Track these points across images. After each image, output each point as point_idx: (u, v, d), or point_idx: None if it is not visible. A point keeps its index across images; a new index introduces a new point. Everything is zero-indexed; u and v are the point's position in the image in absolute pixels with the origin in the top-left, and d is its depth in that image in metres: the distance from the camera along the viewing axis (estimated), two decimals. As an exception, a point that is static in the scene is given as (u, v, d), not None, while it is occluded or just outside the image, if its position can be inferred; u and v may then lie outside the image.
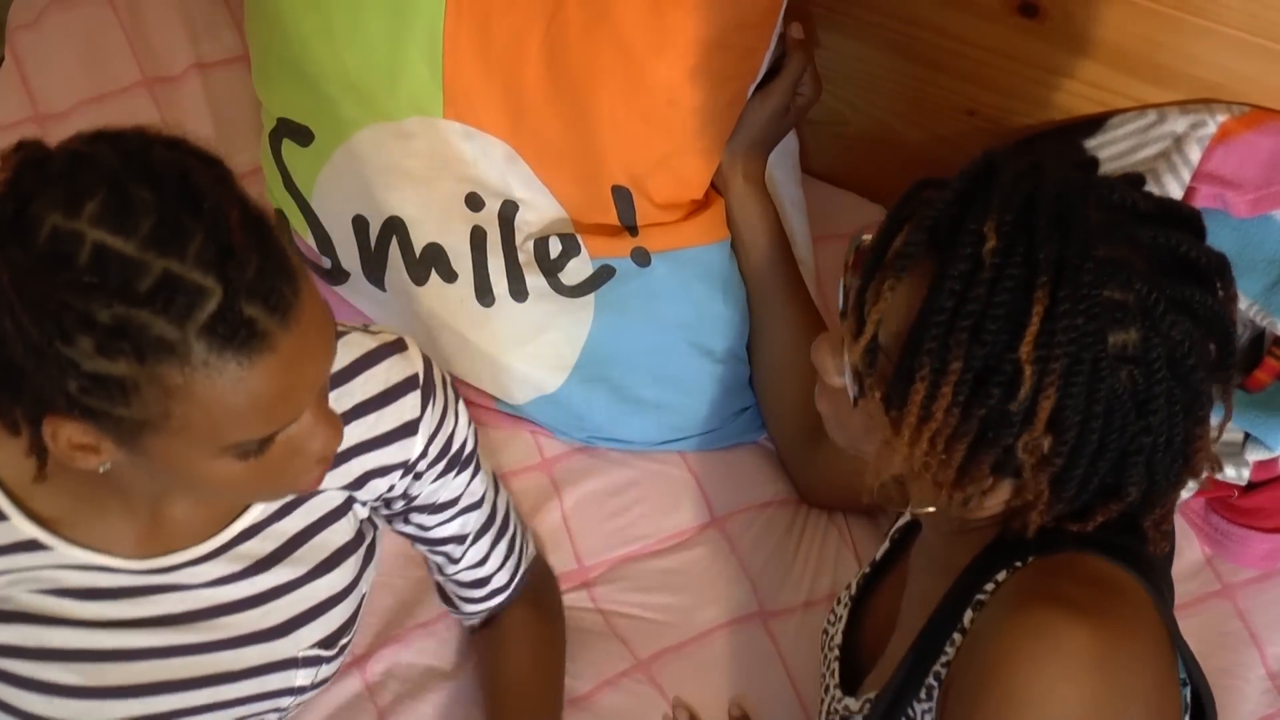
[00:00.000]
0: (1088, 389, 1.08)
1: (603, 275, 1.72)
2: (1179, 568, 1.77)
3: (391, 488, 1.34)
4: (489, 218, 1.73)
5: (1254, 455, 1.69)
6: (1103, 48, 1.74)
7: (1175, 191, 1.71)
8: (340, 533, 1.33)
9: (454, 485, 1.39)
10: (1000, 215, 1.09)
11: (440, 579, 1.54)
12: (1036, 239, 1.08)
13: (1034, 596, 1.13)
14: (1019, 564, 1.18)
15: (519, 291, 1.73)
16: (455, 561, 1.48)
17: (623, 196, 1.73)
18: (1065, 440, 1.10)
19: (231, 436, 1.03)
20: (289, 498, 1.29)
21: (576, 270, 1.73)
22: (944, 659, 1.21)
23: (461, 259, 1.73)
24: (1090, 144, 1.77)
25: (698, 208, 1.75)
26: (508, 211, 1.74)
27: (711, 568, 1.75)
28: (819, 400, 1.27)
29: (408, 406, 1.29)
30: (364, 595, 1.41)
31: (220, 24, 1.99)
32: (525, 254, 1.73)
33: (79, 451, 1.04)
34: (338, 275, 1.78)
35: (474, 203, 1.73)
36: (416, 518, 1.40)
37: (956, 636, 1.20)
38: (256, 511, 1.28)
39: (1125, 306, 1.09)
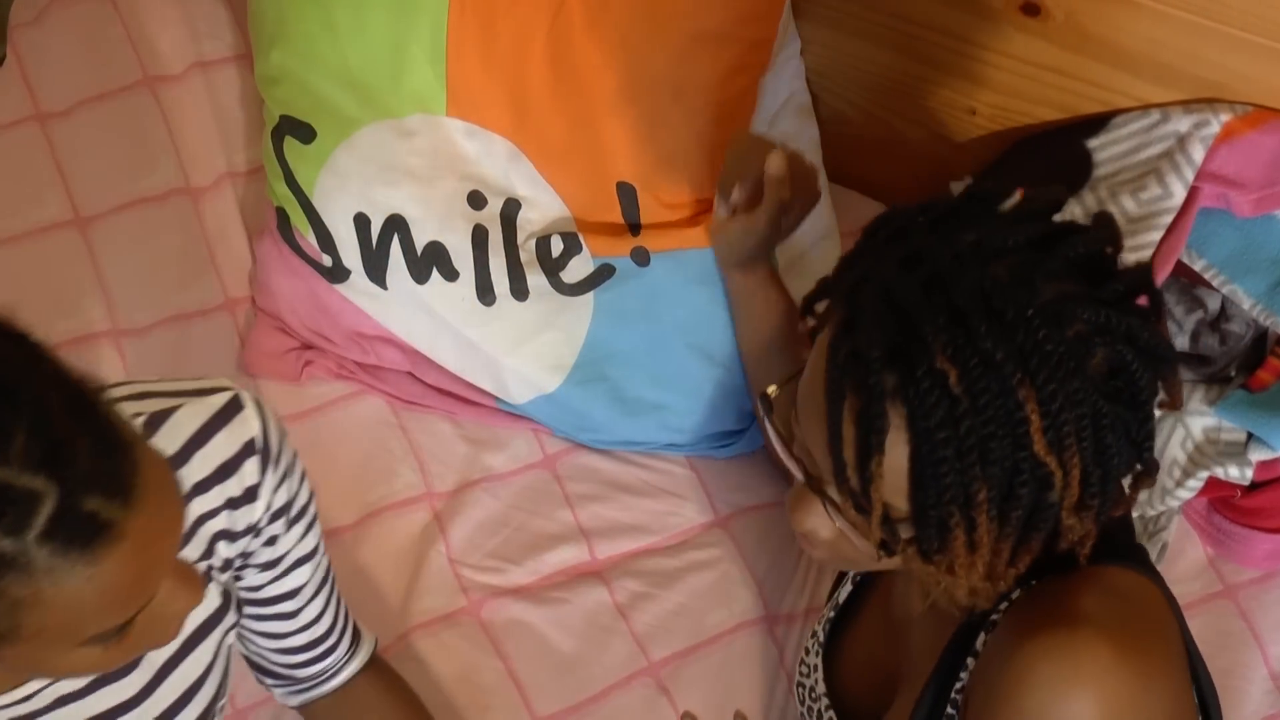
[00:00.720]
0: (1095, 431, 1.07)
1: (603, 274, 1.72)
2: (1181, 568, 1.77)
3: (241, 551, 1.27)
4: (491, 216, 1.73)
5: (1257, 455, 1.69)
6: (1105, 47, 1.74)
7: (1179, 191, 1.71)
8: (200, 612, 1.25)
9: (288, 539, 1.30)
10: (942, 343, 1.04)
11: (268, 651, 1.41)
12: (987, 344, 1.04)
13: (1051, 614, 1.11)
14: (1032, 580, 1.17)
15: (520, 290, 1.73)
16: (290, 618, 1.37)
17: (627, 193, 1.72)
18: (1096, 483, 1.09)
19: (89, 631, 0.95)
20: None
21: (577, 268, 1.72)
22: (959, 684, 1.20)
23: (463, 257, 1.73)
24: (1093, 143, 1.77)
25: (705, 207, 1.74)
26: (510, 210, 1.73)
27: (718, 568, 1.75)
28: (810, 548, 1.23)
29: (248, 473, 1.22)
30: (230, 650, 1.34)
31: (222, 22, 1.98)
32: (527, 253, 1.73)
33: None
34: (339, 273, 1.78)
35: (476, 201, 1.73)
36: (250, 577, 1.31)
37: (970, 661, 1.19)
38: None
39: (1085, 336, 1.07)
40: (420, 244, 1.73)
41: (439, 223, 1.73)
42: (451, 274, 1.73)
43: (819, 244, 1.82)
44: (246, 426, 1.22)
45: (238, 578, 1.31)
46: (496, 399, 1.80)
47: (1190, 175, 1.71)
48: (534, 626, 1.71)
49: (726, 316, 1.72)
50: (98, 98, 1.93)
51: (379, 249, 1.74)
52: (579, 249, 1.72)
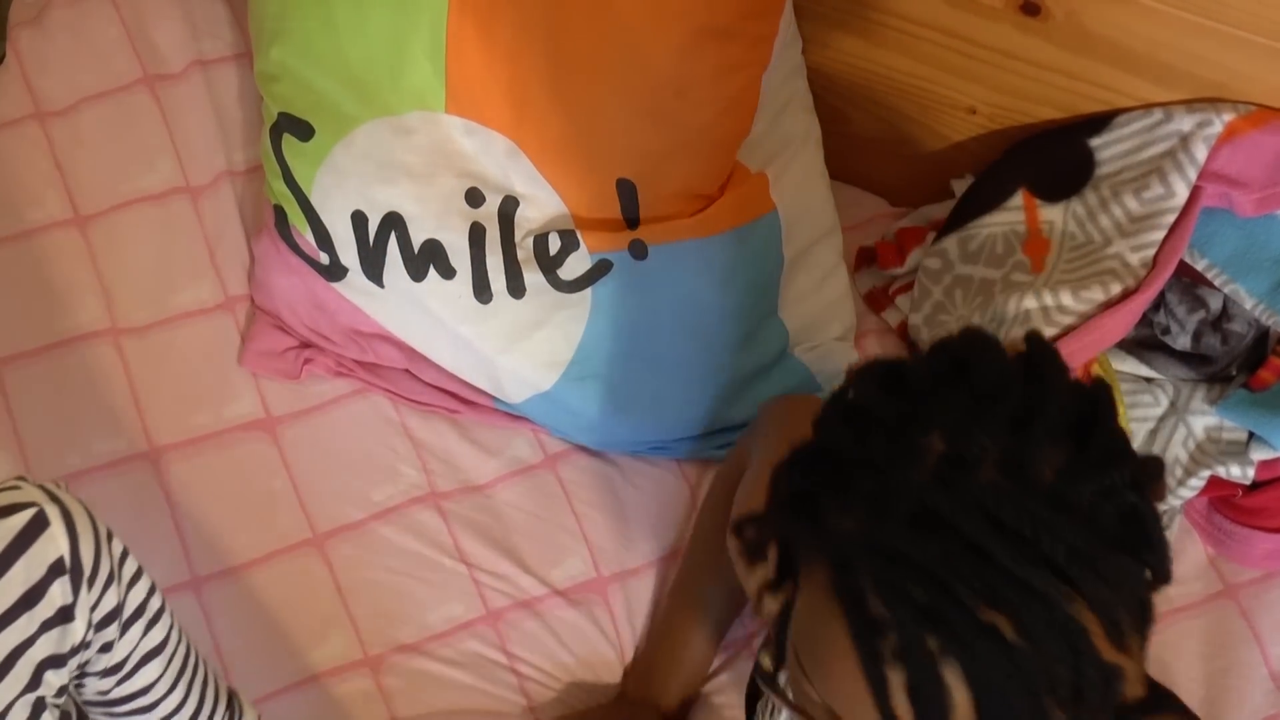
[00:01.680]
0: (1135, 594, 0.97)
1: (600, 270, 1.72)
2: (1182, 568, 1.77)
3: (73, 673, 1.19)
4: (489, 214, 1.73)
5: (1258, 455, 1.68)
6: (1105, 47, 1.74)
7: (1182, 190, 1.71)
8: None
9: (126, 643, 1.22)
10: (974, 590, 0.92)
11: None
12: (1023, 573, 0.92)
13: None
14: None
15: (517, 288, 1.72)
16: (147, 711, 1.28)
17: (627, 190, 1.72)
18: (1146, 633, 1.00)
19: None
20: None
21: (575, 265, 1.72)
22: None
23: (460, 255, 1.73)
24: (1095, 142, 1.76)
25: (705, 203, 1.74)
26: (508, 208, 1.73)
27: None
28: None
29: (57, 595, 1.13)
30: None
31: (221, 21, 1.98)
32: (524, 251, 1.73)
33: None
34: (336, 271, 1.77)
35: (474, 199, 1.73)
36: (93, 684, 1.23)
37: None
38: None
39: (1097, 505, 0.95)
40: (417, 242, 1.73)
41: (436, 220, 1.73)
42: (448, 271, 1.73)
43: (821, 241, 1.81)
44: (53, 544, 1.13)
45: (79, 686, 1.23)
46: (494, 399, 1.79)
47: (1193, 174, 1.70)
48: (539, 636, 1.71)
49: (725, 308, 1.72)
50: (97, 96, 1.93)
51: (376, 247, 1.74)
52: (576, 246, 1.72)
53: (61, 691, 1.18)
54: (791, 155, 1.81)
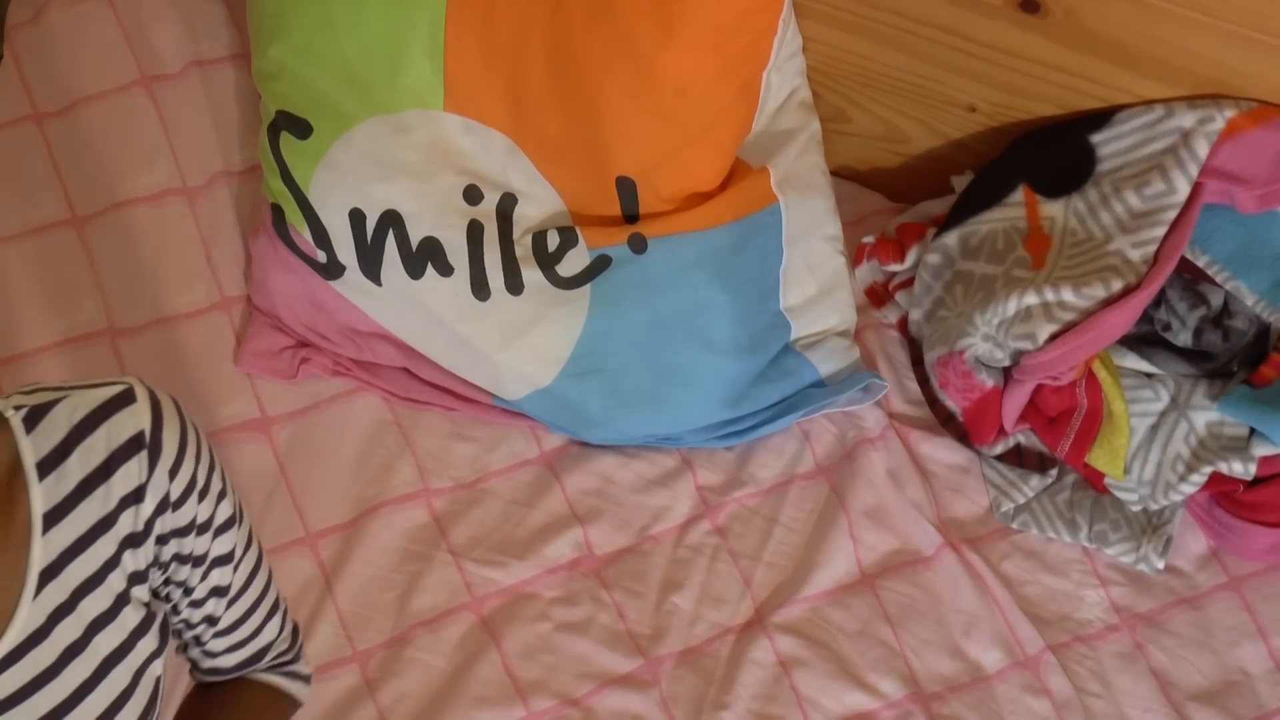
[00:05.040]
0: None
1: (599, 265, 1.72)
2: (1185, 561, 1.77)
3: (150, 558, 1.20)
4: (487, 212, 1.73)
5: (1259, 450, 1.68)
6: (1104, 44, 1.74)
7: (1183, 187, 1.70)
8: (112, 636, 1.19)
9: (201, 543, 1.24)
10: None
11: (188, 643, 1.34)
12: None
13: None
14: None
15: (515, 285, 1.72)
16: (214, 623, 1.31)
17: (627, 188, 1.72)
18: None
19: None
20: (59, 600, 1.15)
21: (574, 261, 1.72)
22: None
23: (458, 253, 1.73)
24: (1096, 139, 1.76)
25: (703, 200, 1.74)
26: (506, 205, 1.73)
27: (711, 566, 1.74)
28: None
29: (132, 472, 1.15)
30: (158, 679, 1.25)
31: (219, 21, 1.98)
32: (523, 248, 1.73)
33: None
34: (333, 269, 1.77)
35: (473, 196, 1.73)
36: (174, 591, 1.25)
37: None
38: (21, 625, 1.13)
39: None
40: (415, 239, 1.73)
41: (434, 218, 1.72)
42: (446, 269, 1.73)
43: (822, 237, 1.81)
44: (136, 418, 1.16)
45: (166, 582, 1.25)
46: (492, 396, 1.79)
47: (1194, 171, 1.70)
48: (533, 622, 1.71)
49: (725, 301, 1.72)
50: (95, 97, 1.93)
51: (374, 245, 1.74)
52: (575, 242, 1.72)
53: (139, 579, 1.19)
54: (791, 152, 1.80)
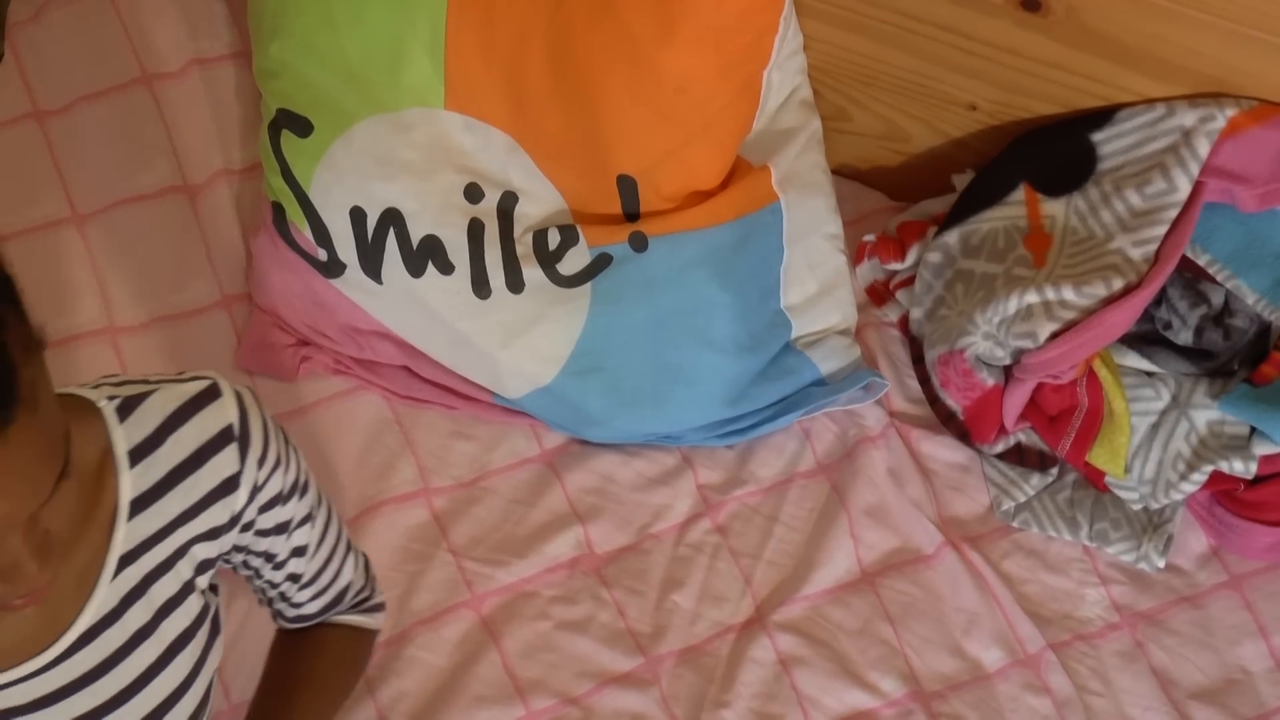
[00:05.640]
0: None
1: (600, 264, 1.72)
2: (1186, 560, 1.77)
3: (225, 549, 1.26)
4: (488, 210, 1.73)
5: (1260, 449, 1.68)
6: (1105, 42, 1.74)
7: (1184, 185, 1.70)
8: (178, 621, 1.23)
9: (283, 513, 1.29)
10: None
11: (273, 599, 1.41)
12: None
13: None
14: None
15: (516, 284, 1.72)
16: (298, 579, 1.37)
17: (628, 186, 1.72)
18: None
19: None
20: (131, 583, 1.20)
21: (574, 260, 1.72)
22: None
23: (459, 251, 1.73)
24: (1098, 137, 1.76)
25: (704, 198, 1.74)
26: (507, 203, 1.73)
27: (711, 564, 1.74)
28: None
29: (225, 462, 1.20)
30: (214, 672, 1.31)
31: (219, 20, 1.98)
32: (523, 246, 1.73)
33: None
34: (334, 268, 1.77)
35: (473, 194, 1.73)
36: (255, 560, 1.31)
37: None
38: (96, 606, 1.17)
39: None
40: (416, 238, 1.73)
41: (435, 216, 1.72)
42: (447, 267, 1.73)
43: (822, 235, 1.81)
44: (224, 412, 1.20)
45: (246, 564, 1.31)
46: (493, 394, 1.79)
47: (1195, 170, 1.70)
48: (533, 621, 1.70)
49: (726, 300, 1.72)
50: (95, 95, 1.93)
51: (374, 243, 1.74)
52: (576, 240, 1.72)
53: (206, 567, 1.24)
54: (792, 151, 1.80)
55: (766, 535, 1.76)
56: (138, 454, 1.17)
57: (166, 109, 1.93)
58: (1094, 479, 1.76)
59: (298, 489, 1.28)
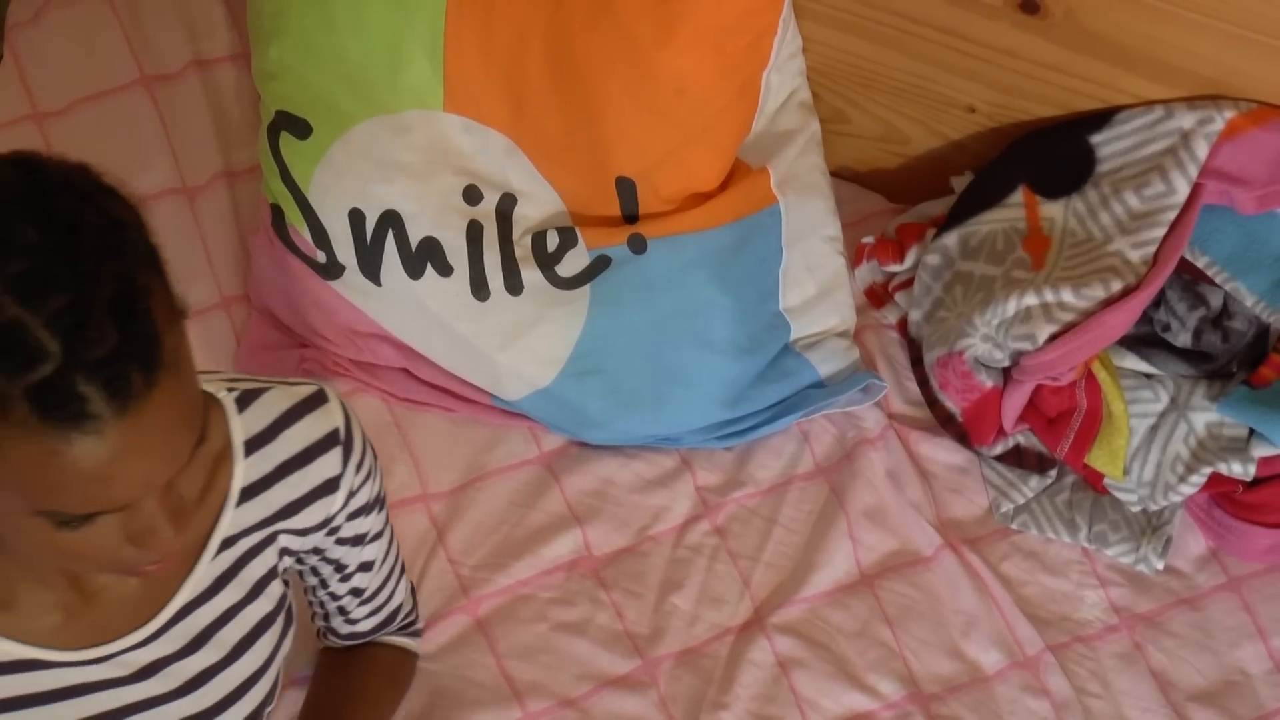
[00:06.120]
0: None
1: (599, 266, 1.72)
2: (1185, 561, 1.77)
3: (306, 547, 1.31)
4: (486, 212, 1.73)
5: (1259, 451, 1.68)
6: (1103, 44, 1.74)
7: (1182, 187, 1.70)
8: (262, 606, 1.29)
9: (363, 524, 1.34)
10: None
11: (330, 614, 1.46)
12: None
13: None
14: None
15: (514, 285, 1.72)
16: (359, 594, 1.42)
17: (626, 188, 1.72)
18: None
19: (43, 503, 0.97)
20: (224, 565, 1.25)
21: (573, 262, 1.72)
22: None
23: (457, 253, 1.73)
24: (1096, 139, 1.77)
25: (703, 200, 1.74)
26: (505, 205, 1.73)
27: (710, 566, 1.74)
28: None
29: (328, 464, 1.26)
30: (284, 661, 1.36)
31: (219, 21, 1.98)
32: (522, 248, 1.73)
33: None
34: (333, 269, 1.77)
35: (472, 196, 1.73)
36: (325, 568, 1.37)
37: None
38: (194, 584, 1.23)
39: None
40: (415, 240, 1.73)
41: (434, 218, 1.73)
42: (446, 269, 1.73)
43: (821, 237, 1.81)
44: (331, 417, 1.26)
45: (314, 571, 1.35)
46: (491, 396, 1.79)
47: (1194, 172, 1.70)
48: (530, 623, 1.70)
49: (724, 301, 1.73)
50: (95, 97, 1.93)
51: (373, 245, 1.74)
52: (574, 242, 1.72)
53: (289, 554, 1.29)
54: (791, 153, 1.81)
55: (765, 537, 1.76)
56: (252, 445, 1.23)
57: (166, 111, 1.93)
58: (1093, 481, 1.76)
59: (378, 503, 1.34)
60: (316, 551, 1.32)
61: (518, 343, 1.73)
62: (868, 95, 1.92)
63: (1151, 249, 1.70)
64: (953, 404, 1.78)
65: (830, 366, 1.80)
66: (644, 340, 1.73)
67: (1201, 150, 1.70)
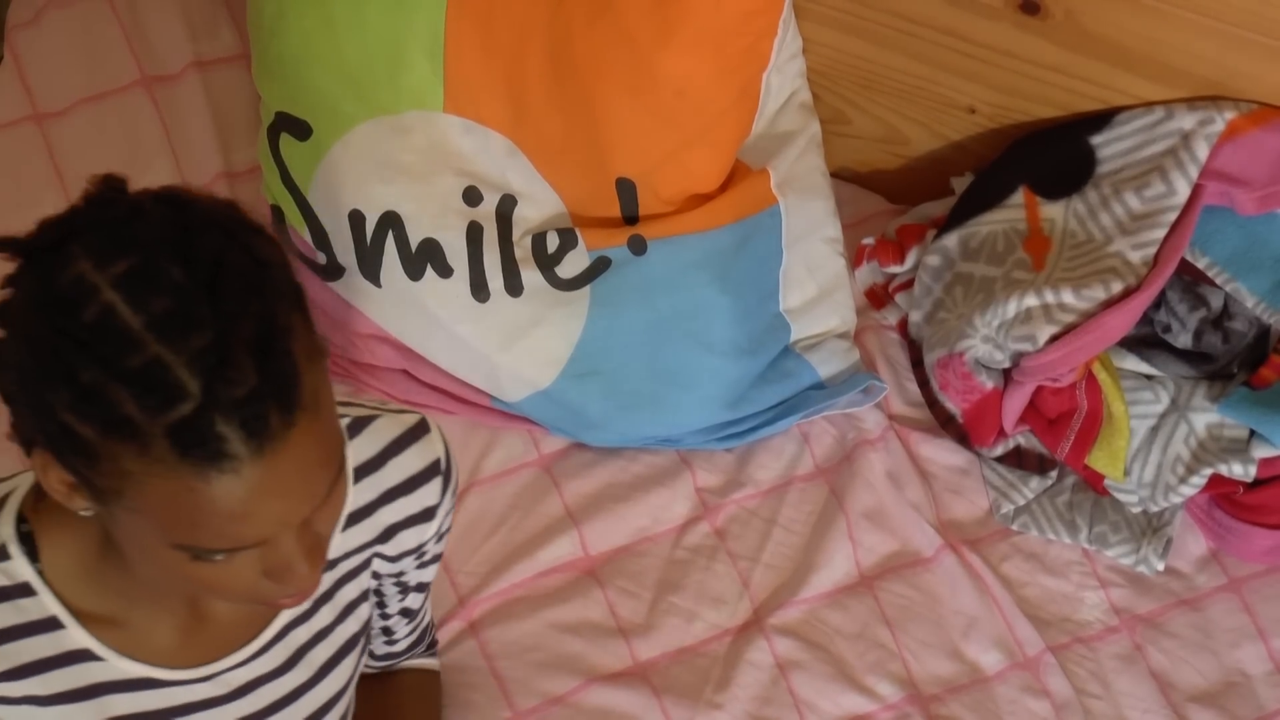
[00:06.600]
0: None
1: (599, 267, 1.72)
2: (1185, 562, 1.77)
3: (393, 570, 1.34)
4: (486, 213, 1.73)
5: (1259, 452, 1.68)
6: (1104, 45, 1.74)
7: (1183, 188, 1.71)
8: (350, 627, 1.32)
9: (439, 547, 1.38)
10: None
11: (372, 635, 1.48)
12: None
13: None
14: None
15: (514, 287, 1.72)
16: (409, 615, 1.45)
17: (627, 190, 1.72)
18: None
19: (181, 538, 0.99)
20: (323, 587, 1.28)
21: (573, 263, 1.72)
22: None
23: (457, 254, 1.73)
24: (1096, 140, 1.77)
25: (702, 201, 1.74)
26: (505, 206, 1.73)
27: (709, 566, 1.74)
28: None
29: (430, 493, 1.29)
30: (352, 697, 1.39)
31: (219, 22, 1.98)
32: (522, 250, 1.73)
33: (65, 489, 1.02)
34: (333, 271, 1.77)
35: (472, 197, 1.73)
36: (392, 590, 1.39)
37: None
38: (289, 613, 1.26)
39: None
40: (415, 241, 1.73)
41: (434, 219, 1.73)
42: (445, 270, 1.73)
43: (821, 238, 1.81)
44: (434, 448, 1.29)
45: (379, 589, 1.37)
46: (491, 397, 1.79)
47: (1194, 173, 1.70)
48: (524, 622, 1.70)
49: (725, 303, 1.73)
50: (95, 98, 1.93)
51: (373, 246, 1.74)
52: (574, 243, 1.72)
53: (377, 577, 1.33)
54: (791, 154, 1.81)
55: (765, 538, 1.76)
56: (362, 471, 1.25)
57: (166, 111, 1.93)
58: (1093, 482, 1.76)
59: (450, 529, 1.37)
60: (398, 575, 1.34)
61: (518, 344, 1.73)
62: (868, 96, 1.92)
63: (1152, 250, 1.70)
64: (953, 405, 1.78)
65: (830, 368, 1.80)
66: (644, 341, 1.73)
67: (1202, 151, 1.70)
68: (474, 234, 1.73)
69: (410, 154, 1.72)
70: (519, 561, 1.73)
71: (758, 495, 1.78)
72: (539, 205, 1.74)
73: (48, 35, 1.96)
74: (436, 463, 1.28)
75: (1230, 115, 1.71)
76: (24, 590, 1.13)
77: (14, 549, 1.13)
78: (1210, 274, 1.74)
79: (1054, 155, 1.78)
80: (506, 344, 1.74)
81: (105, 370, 0.93)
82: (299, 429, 0.96)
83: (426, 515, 1.29)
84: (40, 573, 1.13)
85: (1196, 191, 1.71)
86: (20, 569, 1.13)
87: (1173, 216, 1.70)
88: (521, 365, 1.74)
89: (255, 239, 0.98)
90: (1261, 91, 1.73)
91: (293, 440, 0.95)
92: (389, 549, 1.29)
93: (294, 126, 1.75)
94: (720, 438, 1.79)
